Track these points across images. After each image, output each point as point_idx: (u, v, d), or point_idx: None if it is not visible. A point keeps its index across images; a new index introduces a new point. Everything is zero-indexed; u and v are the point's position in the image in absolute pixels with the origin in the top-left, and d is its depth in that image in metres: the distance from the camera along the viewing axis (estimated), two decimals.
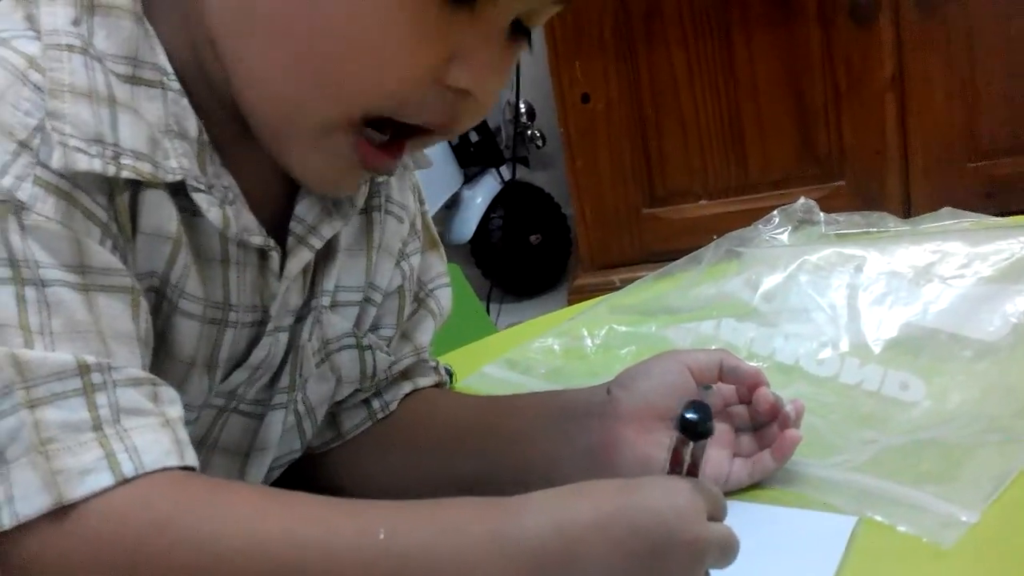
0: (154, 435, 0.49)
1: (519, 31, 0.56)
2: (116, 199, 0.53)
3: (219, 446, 0.65)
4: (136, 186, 0.54)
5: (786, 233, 0.97)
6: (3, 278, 0.49)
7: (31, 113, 0.51)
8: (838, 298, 0.88)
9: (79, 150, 0.50)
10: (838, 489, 0.67)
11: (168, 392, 0.52)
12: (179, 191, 0.55)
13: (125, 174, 0.52)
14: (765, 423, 0.70)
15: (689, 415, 0.52)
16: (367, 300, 0.69)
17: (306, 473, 0.75)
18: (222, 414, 0.64)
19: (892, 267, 0.89)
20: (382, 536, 0.49)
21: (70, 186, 0.51)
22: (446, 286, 0.77)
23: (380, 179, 0.67)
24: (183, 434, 0.51)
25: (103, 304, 0.51)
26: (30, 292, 0.49)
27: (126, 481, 0.47)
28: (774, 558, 0.61)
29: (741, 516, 0.54)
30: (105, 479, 0.47)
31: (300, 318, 0.64)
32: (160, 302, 0.57)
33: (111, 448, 0.48)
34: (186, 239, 0.56)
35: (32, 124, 0.50)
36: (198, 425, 0.63)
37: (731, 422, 0.71)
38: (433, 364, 0.77)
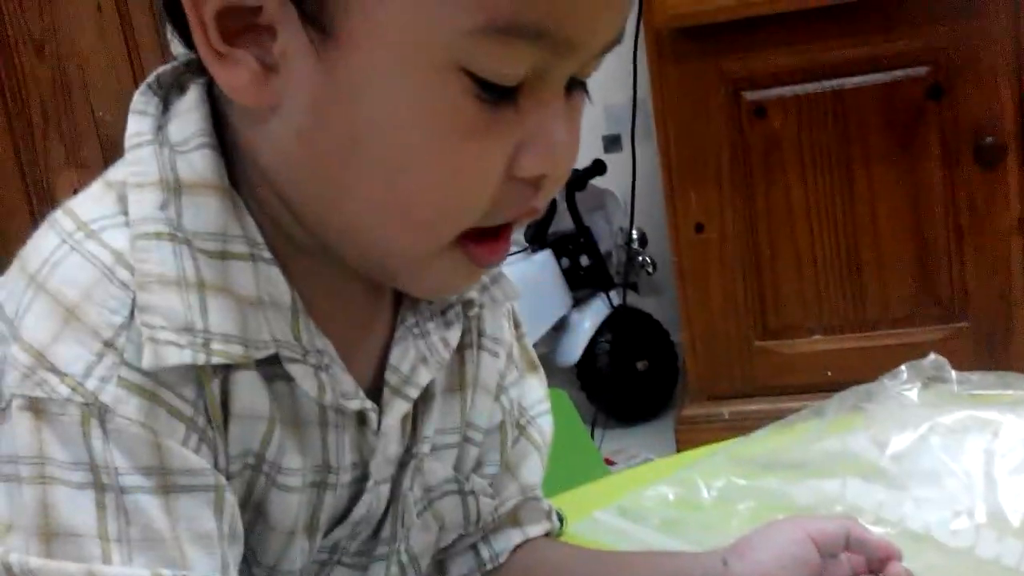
0: None
1: (573, 85, 0.54)
2: (206, 388, 0.53)
3: None
4: (227, 369, 0.54)
5: (915, 390, 0.93)
6: (84, 483, 0.49)
7: (117, 311, 0.51)
8: (973, 464, 0.83)
9: (170, 343, 0.50)
10: None
11: None
12: (274, 360, 0.55)
13: (216, 360, 0.52)
14: None
15: None
16: (466, 440, 0.68)
17: None
18: (324, 568, 0.63)
19: None
20: None
21: (154, 384, 0.51)
22: (547, 413, 0.75)
23: (472, 312, 0.66)
24: None
25: (183, 506, 0.51)
26: (110, 499, 0.49)
27: None
28: None
29: None
30: None
31: (401, 465, 0.63)
32: (256, 478, 0.56)
33: None
34: (280, 414, 0.56)
35: (117, 323, 0.51)
36: None
37: None
38: (546, 508, 0.75)
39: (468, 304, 0.65)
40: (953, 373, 0.93)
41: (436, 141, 0.50)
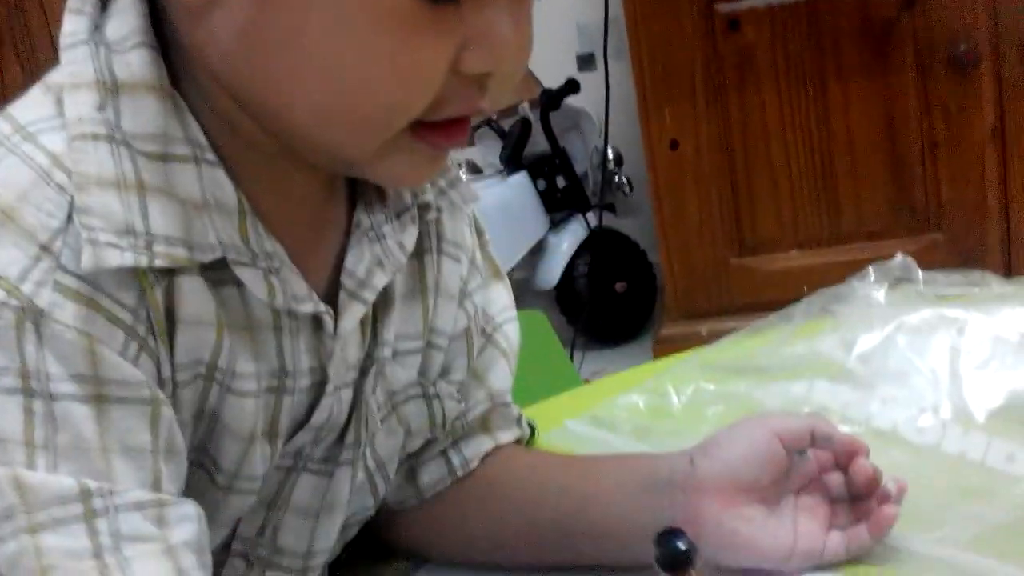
0: (155, 564, 0.49)
1: None
2: (148, 295, 0.52)
3: (290, 506, 0.64)
4: (171, 275, 0.52)
5: (882, 291, 0.93)
6: (12, 388, 0.48)
7: (53, 214, 0.49)
8: (939, 362, 0.83)
9: (110, 244, 0.49)
10: (941, 568, 0.63)
11: (178, 511, 0.51)
12: (222, 264, 0.54)
13: (159, 263, 0.51)
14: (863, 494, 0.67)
15: (663, 548, 0.52)
16: (430, 345, 0.67)
17: (382, 530, 0.73)
18: (291, 474, 0.63)
19: (996, 331, 0.85)
20: None
21: (92, 290, 0.49)
22: (513, 320, 0.75)
23: (429, 216, 0.65)
24: (186, 560, 0.50)
25: (116, 417, 0.50)
26: (38, 405, 0.48)
27: None
28: None
29: None
30: None
31: (363, 371, 0.63)
32: (209, 387, 0.56)
33: None
34: (228, 319, 0.55)
35: (54, 226, 0.49)
36: (267, 486, 0.61)
37: (826, 492, 0.67)
38: (515, 415, 0.75)
39: (425, 208, 0.64)
40: (920, 273, 0.93)
41: (376, 36, 0.49)
